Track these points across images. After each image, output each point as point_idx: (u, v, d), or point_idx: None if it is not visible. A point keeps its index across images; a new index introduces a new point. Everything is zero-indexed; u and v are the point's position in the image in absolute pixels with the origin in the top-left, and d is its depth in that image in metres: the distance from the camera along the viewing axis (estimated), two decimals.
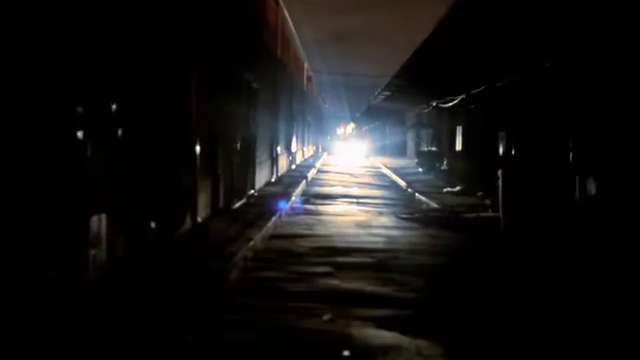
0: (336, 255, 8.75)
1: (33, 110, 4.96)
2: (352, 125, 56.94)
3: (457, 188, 18.20)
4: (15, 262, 4.69)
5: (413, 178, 23.10)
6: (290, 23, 24.42)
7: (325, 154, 43.72)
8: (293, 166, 28.01)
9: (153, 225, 7.59)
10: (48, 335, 4.57)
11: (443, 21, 11.91)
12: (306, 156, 38.27)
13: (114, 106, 6.40)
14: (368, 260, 8.50)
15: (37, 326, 4.65)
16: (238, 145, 13.44)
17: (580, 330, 5.66)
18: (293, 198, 15.54)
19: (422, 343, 5.07)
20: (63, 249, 5.37)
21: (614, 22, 8.81)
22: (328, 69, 31.78)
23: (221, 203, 11.49)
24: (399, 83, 24.72)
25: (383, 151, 45.68)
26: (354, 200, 16.27)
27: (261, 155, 17.15)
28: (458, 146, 22.35)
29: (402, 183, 21.46)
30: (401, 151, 41.39)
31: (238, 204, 12.93)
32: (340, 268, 7.90)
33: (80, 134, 5.67)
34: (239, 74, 13.13)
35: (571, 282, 7.36)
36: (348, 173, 27.74)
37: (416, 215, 13.42)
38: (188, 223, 9.14)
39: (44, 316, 4.84)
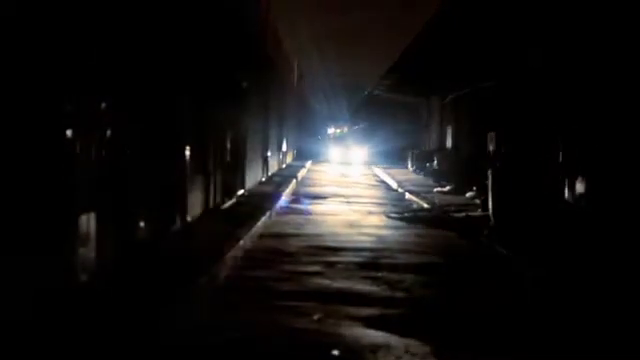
0: (326, 254, 8.75)
1: (21, 108, 4.94)
2: (345, 126, 48.99)
3: (447, 187, 18.25)
4: (0, 260, 4.67)
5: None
6: (282, 21, 24.44)
7: (309, 163, 32.59)
8: (284, 165, 28.01)
9: (142, 225, 7.57)
10: (36, 335, 4.55)
11: (433, 20, 11.98)
12: (288, 161, 31.40)
13: (103, 105, 6.37)
14: (357, 259, 8.51)
15: (23, 326, 4.62)
16: (228, 145, 13.42)
17: (570, 327, 5.70)
18: (284, 197, 15.54)
19: (411, 342, 5.08)
20: (51, 248, 5.35)
21: (603, 22, 8.86)
22: (321, 67, 31.15)
23: (211, 203, 11.47)
24: (390, 82, 24.75)
25: (385, 157, 34.95)
26: (344, 200, 16.28)
27: (252, 155, 17.13)
28: (448, 145, 22.43)
29: (393, 183, 21.51)
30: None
31: (228, 203, 12.91)
32: (330, 267, 7.91)
33: (69, 132, 5.64)
34: (229, 74, 13.11)
35: (558, 277, 7.40)
36: (340, 173, 27.76)
37: (405, 214, 13.45)
38: (178, 223, 9.12)
39: (31, 316, 4.81)
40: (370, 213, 13.62)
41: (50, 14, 5.30)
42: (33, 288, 4.95)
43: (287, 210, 13.70)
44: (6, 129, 4.76)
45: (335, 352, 4.85)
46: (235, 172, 14.37)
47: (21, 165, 4.95)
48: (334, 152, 36.58)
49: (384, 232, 11.00)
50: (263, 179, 19.88)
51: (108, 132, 6.49)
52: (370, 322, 5.59)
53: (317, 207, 14.44)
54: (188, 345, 4.92)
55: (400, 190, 19.04)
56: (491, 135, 14.75)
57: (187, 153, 9.57)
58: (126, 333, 4.73)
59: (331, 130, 49.88)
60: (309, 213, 13.33)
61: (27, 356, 4.24)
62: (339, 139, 41.26)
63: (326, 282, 7.14)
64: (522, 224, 10.42)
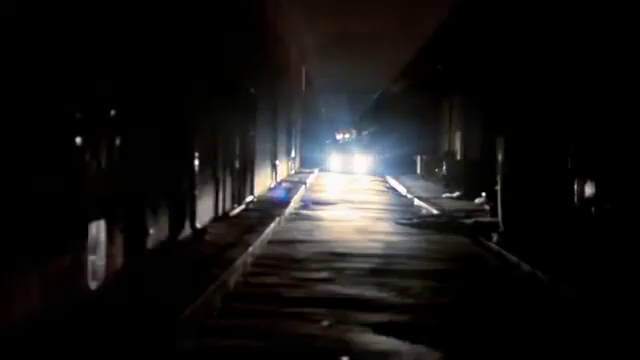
0: (335, 260, 8.74)
1: (30, 115, 4.96)
2: (353, 131, 47.29)
3: (456, 193, 18.21)
4: (11, 268, 4.68)
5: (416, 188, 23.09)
6: (290, 26, 24.47)
7: (317, 169, 30.16)
8: (292, 171, 28.02)
9: (152, 232, 7.58)
10: (46, 344, 4.56)
11: (443, 26, 11.98)
12: (296, 167, 29.93)
13: (113, 112, 6.40)
14: (367, 265, 8.52)
15: (33, 334, 4.64)
16: (237, 151, 13.44)
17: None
18: (292, 204, 15.53)
19: (421, 349, 5.06)
20: (61, 256, 5.36)
21: (611, 25, 8.83)
22: (328, 73, 30.60)
23: (220, 209, 11.49)
24: (398, 87, 24.72)
25: (392, 165, 32.30)
26: (353, 206, 16.28)
27: (261, 161, 17.16)
28: (457, 151, 22.39)
29: (402, 190, 21.49)
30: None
31: (237, 210, 12.92)
32: (339, 273, 7.91)
33: (79, 140, 5.66)
34: (237, 81, 13.14)
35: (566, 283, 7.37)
36: (349, 180, 27.77)
37: (415, 220, 13.43)
38: (187, 229, 9.13)
39: (41, 323, 4.82)
40: (379, 219, 13.60)
41: (53, 17, 5.32)
42: None
43: (296, 217, 13.70)
44: (9, 133, 4.79)
45: (345, 359, 4.84)
46: (244, 179, 14.39)
47: (29, 171, 4.98)
48: (335, 161, 32.45)
49: (393, 238, 10.99)
50: (272, 185, 19.89)
51: (118, 140, 6.51)
52: (380, 329, 5.58)
53: (326, 213, 14.44)
54: None
55: (409, 196, 19.01)
56: (500, 140, 14.70)
57: (196, 161, 9.59)
58: None
59: (339, 135, 49.52)
60: (318, 219, 13.32)
61: None
62: (342, 146, 37.04)
63: (336, 288, 7.14)
64: (531, 230, 10.39)
